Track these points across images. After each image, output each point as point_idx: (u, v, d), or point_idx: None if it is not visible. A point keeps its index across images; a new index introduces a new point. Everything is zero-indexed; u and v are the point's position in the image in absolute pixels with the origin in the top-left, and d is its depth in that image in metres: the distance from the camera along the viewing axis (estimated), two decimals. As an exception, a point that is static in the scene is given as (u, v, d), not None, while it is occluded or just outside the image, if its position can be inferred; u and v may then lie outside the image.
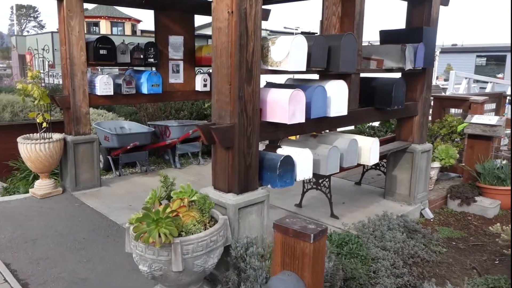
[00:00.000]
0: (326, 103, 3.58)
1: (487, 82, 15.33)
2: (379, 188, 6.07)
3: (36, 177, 6.06)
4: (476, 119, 6.28)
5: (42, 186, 5.29)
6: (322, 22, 4.04)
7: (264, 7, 7.52)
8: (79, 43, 5.23)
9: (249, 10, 3.01)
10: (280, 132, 3.52)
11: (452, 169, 6.58)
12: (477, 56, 32.74)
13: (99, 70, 16.72)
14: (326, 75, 4.03)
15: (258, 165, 3.32)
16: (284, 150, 3.51)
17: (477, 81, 14.58)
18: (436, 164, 5.97)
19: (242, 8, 2.97)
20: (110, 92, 5.57)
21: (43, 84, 5.15)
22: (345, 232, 4.24)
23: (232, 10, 2.98)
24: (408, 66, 4.44)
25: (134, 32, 39.91)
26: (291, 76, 4.04)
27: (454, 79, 12.40)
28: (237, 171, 3.17)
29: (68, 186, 5.49)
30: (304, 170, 3.49)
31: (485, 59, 33.05)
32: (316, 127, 3.78)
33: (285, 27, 42.57)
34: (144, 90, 5.89)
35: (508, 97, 8.63)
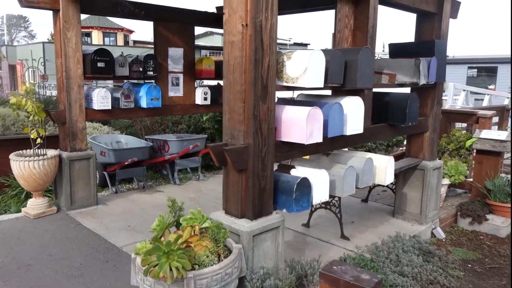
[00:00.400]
0: (343, 121, 3.38)
1: (483, 94, 15.33)
2: (386, 205, 5.88)
3: (28, 195, 5.76)
4: (485, 134, 6.13)
5: (35, 205, 5.00)
6: (334, 35, 3.86)
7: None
8: (76, 56, 4.99)
9: (265, 23, 2.82)
10: (295, 152, 3.31)
11: (459, 185, 6.41)
12: (469, 68, 33.02)
13: (94, 83, 16.46)
14: (339, 90, 3.84)
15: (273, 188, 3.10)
16: (298, 171, 3.29)
17: (472, 92, 14.55)
18: (446, 181, 5.79)
19: (258, 21, 2.77)
20: (108, 106, 5.33)
21: (37, 97, 4.90)
22: (359, 256, 4.02)
23: (247, 23, 2.78)
24: (422, 81, 4.28)
25: (126, 43, 39.66)
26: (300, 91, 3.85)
27: (452, 91, 12.33)
28: (251, 195, 2.94)
29: (63, 205, 5.20)
30: (320, 193, 3.28)
31: (476, 70, 33.36)
32: (331, 146, 3.57)
33: (277, 38, 42.68)
34: (143, 104, 5.66)
35: (510, 110, 8.53)
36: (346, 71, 3.36)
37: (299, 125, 2.98)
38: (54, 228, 4.70)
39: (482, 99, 15.80)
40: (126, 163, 6.02)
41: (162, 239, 2.69)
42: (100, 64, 5.13)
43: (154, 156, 6.90)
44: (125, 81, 6.27)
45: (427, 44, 4.64)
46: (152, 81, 6.09)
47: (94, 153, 5.36)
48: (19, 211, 5.28)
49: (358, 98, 3.54)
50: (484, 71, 33.49)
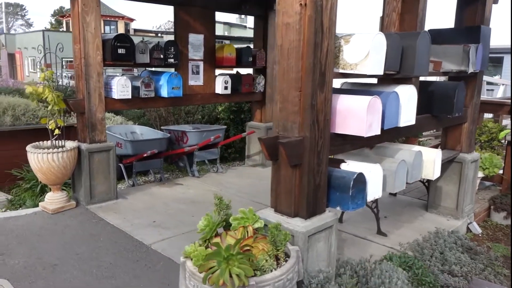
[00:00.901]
0: (398, 112, 3.12)
1: (495, 84, 15.06)
2: (417, 199, 5.64)
3: (44, 188, 5.51)
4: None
5: (54, 199, 4.75)
6: (382, 18, 3.58)
7: None
8: (95, 41, 4.70)
9: (325, 2, 2.54)
10: (347, 145, 3.05)
11: (488, 177, 6.18)
12: (473, 58, 32.61)
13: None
14: (385, 79, 3.57)
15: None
16: (350, 166, 3.04)
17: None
18: (480, 174, 5.56)
19: (318, 0, 2.49)
20: (128, 95, 5.05)
21: (56, 85, 4.61)
22: (403, 254, 3.79)
23: (306, 2, 2.50)
24: (471, 68, 4.01)
25: (127, 31, 39.10)
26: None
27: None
28: (305, 193, 2.69)
29: (82, 199, 4.95)
30: (374, 189, 3.03)
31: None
32: (384, 138, 3.32)
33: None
34: (164, 93, 5.38)
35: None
36: (402, 57, 3.09)
37: (358, 116, 2.72)
38: (75, 224, 4.45)
39: (492, 90, 15.51)
40: (146, 155, 5.75)
41: (217, 241, 2.44)
42: (120, 51, 4.84)
43: (171, 148, 6.64)
44: (142, 69, 5.98)
45: (472, 30, 4.36)
46: (171, 69, 5.81)
47: (114, 145, 5.09)
48: (36, 205, 5.02)
49: (412, 87, 3.28)
50: (490, 61, 33.06)
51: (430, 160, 3.69)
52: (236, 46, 6.35)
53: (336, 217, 2.90)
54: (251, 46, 6.93)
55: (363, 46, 2.67)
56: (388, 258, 3.67)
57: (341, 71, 2.79)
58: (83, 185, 4.89)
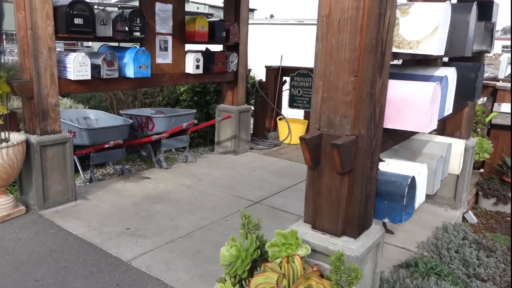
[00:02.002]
0: (445, 100, 2.62)
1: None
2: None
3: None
4: (505, 108, 5.73)
5: (-3, 206, 3.82)
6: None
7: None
8: (45, 8, 3.74)
9: (391, -41, 1.93)
10: (390, 142, 2.51)
11: (477, 162, 6.03)
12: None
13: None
14: (408, 60, 3.06)
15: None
16: (391, 166, 2.51)
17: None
18: (471, 160, 5.33)
19: (385, -45, 1.88)
20: (87, 75, 4.15)
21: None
22: (424, 257, 3.40)
23: (368, -42, 1.88)
24: (492, 48, 3.61)
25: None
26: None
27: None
28: (358, 205, 2.13)
29: (33, 203, 4.05)
30: (421, 194, 2.54)
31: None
32: (424, 131, 2.81)
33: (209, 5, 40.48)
34: (130, 73, 4.52)
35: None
36: (452, 34, 2.57)
37: (419, 107, 2.17)
38: (29, 238, 3.58)
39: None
40: (107, 145, 4.89)
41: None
42: (77, 21, 3.91)
43: (133, 135, 5.79)
44: (90, 45, 5.04)
45: (486, 5, 3.95)
46: (136, 44, 4.94)
47: (71, 136, 4.20)
48: (-28, 213, 4.05)
49: (454, 71, 2.78)
50: None
51: (457, 153, 3.28)
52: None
53: (383, 231, 2.38)
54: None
55: (430, 19, 2.10)
56: (413, 264, 3.25)
57: (395, 50, 2.21)
58: (34, 185, 3.98)
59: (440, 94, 2.29)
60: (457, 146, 3.28)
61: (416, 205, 2.52)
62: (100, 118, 5.86)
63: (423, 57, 2.23)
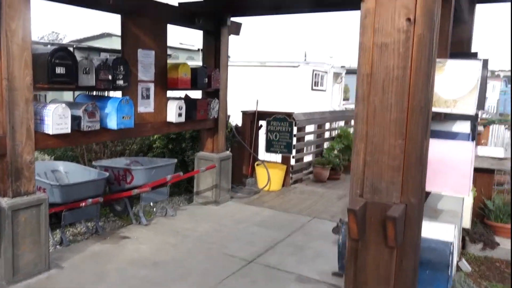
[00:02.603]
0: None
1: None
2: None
3: None
4: (482, 150, 5.83)
5: (-42, 282, 3.28)
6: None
7: (234, 19, 6.32)
8: (24, 56, 3.41)
9: (437, 15, 1.83)
10: (423, 203, 2.35)
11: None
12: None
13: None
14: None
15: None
16: (424, 227, 2.34)
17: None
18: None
19: (433, 11, 1.78)
20: (67, 129, 3.79)
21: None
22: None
23: (415, 16, 1.77)
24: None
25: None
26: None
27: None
28: (407, 280, 1.92)
29: (0, 278, 3.53)
30: (455, 257, 2.37)
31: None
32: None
33: (181, 43, 40.98)
34: (112, 124, 4.20)
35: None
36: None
37: (460, 169, 2.04)
38: (-2, 320, 3.07)
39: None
40: (83, 204, 4.45)
41: None
42: (59, 70, 3.59)
43: (109, 189, 5.36)
44: (81, 92, 4.69)
45: (469, 55, 4.05)
46: (116, 92, 4.65)
47: (46, 198, 3.76)
48: None
49: (469, 124, 2.72)
50: None
51: (468, 206, 3.18)
52: (190, 64, 5.38)
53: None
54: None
55: (467, 77, 2.02)
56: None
57: (433, 109, 2.09)
58: (2, 256, 3.48)
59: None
60: (468, 198, 3.20)
61: (454, 271, 2.35)
62: (70, 171, 5.40)
63: (463, 118, 2.13)
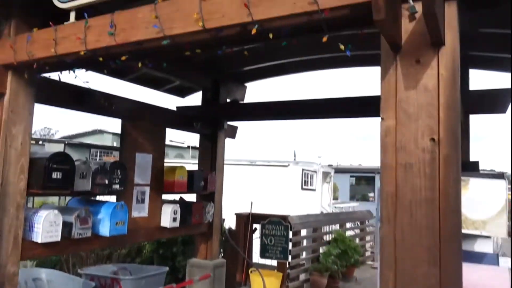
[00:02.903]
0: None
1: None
2: None
3: None
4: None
5: None
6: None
7: (231, 123, 6.43)
8: (20, 162, 3.30)
9: (459, 133, 1.81)
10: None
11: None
12: (351, 176, 36.03)
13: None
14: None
15: None
16: None
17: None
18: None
19: (457, 130, 1.76)
20: (57, 237, 3.55)
21: None
22: None
23: (440, 136, 1.74)
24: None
25: None
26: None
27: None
28: None
29: None
30: None
31: (355, 179, 36.67)
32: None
33: (171, 140, 41.86)
34: (105, 231, 3.97)
35: None
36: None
37: (497, 297, 1.86)
38: None
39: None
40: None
41: None
42: (55, 175, 3.46)
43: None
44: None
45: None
46: (108, 197, 4.48)
47: (27, 314, 3.39)
48: None
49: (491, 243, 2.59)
50: (364, 180, 37.01)
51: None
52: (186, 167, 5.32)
53: None
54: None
55: (494, 196, 1.93)
56: None
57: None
58: None
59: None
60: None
61: None
62: (53, 280, 4.99)
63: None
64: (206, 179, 5.55)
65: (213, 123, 5.90)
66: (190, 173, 5.25)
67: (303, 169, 23.71)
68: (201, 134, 6.02)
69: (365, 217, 11.64)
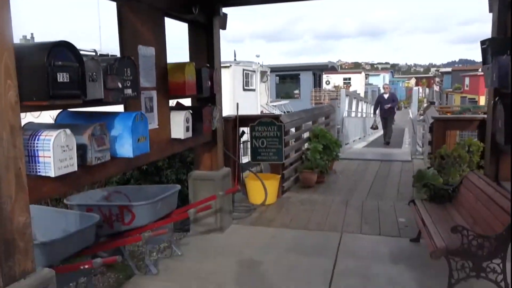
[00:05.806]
0: None
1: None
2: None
3: None
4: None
5: None
6: None
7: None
8: (3, 58, 2.08)
9: None
10: None
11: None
12: (276, 76, 35.70)
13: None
14: None
15: None
16: None
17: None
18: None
19: None
20: (73, 166, 2.51)
21: None
22: None
23: None
24: None
25: None
26: None
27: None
28: None
29: None
30: None
31: (279, 78, 36.61)
32: None
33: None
34: (126, 151, 2.96)
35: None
36: None
37: None
38: None
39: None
40: (83, 267, 3.14)
41: None
42: (62, 77, 2.30)
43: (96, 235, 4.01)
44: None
45: None
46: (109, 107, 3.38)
47: (54, 274, 2.45)
48: None
49: None
50: (289, 78, 37.07)
51: None
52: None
53: None
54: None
55: None
56: None
57: None
58: None
59: None
60: None
61: None
62: (36, 217, 3.93)
63: None
64: (212, 78, 4.54)
65: (209, 8, 4.71)
66: (198, 71, 4.19)
67: (243, 69, 22.75)
68: (193, 25, 4.83)
69: (330, 111, 11.48)
